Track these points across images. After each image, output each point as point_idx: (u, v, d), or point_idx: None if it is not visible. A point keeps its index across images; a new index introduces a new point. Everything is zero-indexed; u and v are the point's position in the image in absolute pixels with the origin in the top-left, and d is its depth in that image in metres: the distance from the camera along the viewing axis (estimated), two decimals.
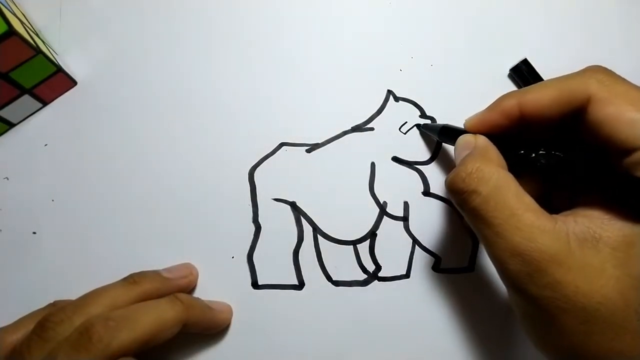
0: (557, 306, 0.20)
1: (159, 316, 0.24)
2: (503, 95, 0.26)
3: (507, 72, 0.34)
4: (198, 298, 0.29)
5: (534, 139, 0.25)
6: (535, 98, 0.24)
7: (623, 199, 0.21)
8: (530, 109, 0.24)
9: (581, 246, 0.20)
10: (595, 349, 0.20)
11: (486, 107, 0.26)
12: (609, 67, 0.23)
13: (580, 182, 0.24)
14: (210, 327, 0.29)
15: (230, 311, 0.30)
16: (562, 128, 0.24)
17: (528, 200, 0.22)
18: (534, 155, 0.23)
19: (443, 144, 0.32)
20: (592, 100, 0.22)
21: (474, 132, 0.26)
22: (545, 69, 0.33)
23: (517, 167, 0.24)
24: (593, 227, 0.21)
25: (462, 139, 0.26)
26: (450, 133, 0.28)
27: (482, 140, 0.25)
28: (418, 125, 0.33)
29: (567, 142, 0.24)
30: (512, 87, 0.34)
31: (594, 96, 0.22)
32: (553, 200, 0.26)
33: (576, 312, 0.20)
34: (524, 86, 0.33)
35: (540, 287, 0.20)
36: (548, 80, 0.24)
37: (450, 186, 0.24)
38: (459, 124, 0.28)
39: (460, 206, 0.24)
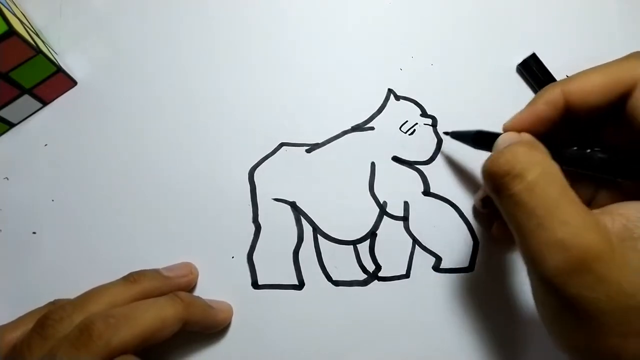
0: (596, 307, 0.19)
1: (159, 314, 0.24)
2: (544, 88, 0.25)
3: (515, 67, 0.34)
4: (198, 297, 0.29)
5: (576, 137, 0.24)
6: (581, 84, 0.23)
7: None
8: (576, 96, 0.23)
9: (622, 245, 0.19)
10: (632, 351, 0.19)
11: (495, 109, 0.26)
12: None
13: (624, 180, 0.23)
14: (211, 326, 0.29)
15: (230, 310, 0.30)
16: (598, 125, 0.24)
17: (573, 194, 0.20)
18: (589, 150, 0.22)
19: (444, 144, 0.32)
20: (638, 85, 0.22)
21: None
22: (553, 64, 0.33)
23: (570, 164, 0.23)
24: (630, 225, 0.20)
25: (505, 135, 0.25)
26: (487, 138, 0.26)
27: (527, 135, 0.24)
28: (446, 133, 0.32)
29: (600, 144, 0.24)
30: (521, 81, 0.34)
31: None
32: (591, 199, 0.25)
33: (616, 313, 0.19)
34: (533, 81, 0.33)
35: (580, 286, 0.19)
36: (592, 68, 0.24)
37: (490, 168, 0.22)
38: (462, 121, 0.28)
39: (497, 191, 0.21)
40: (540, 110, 0.24)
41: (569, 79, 0.24)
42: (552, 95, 0.24)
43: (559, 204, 0.20)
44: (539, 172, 0.20)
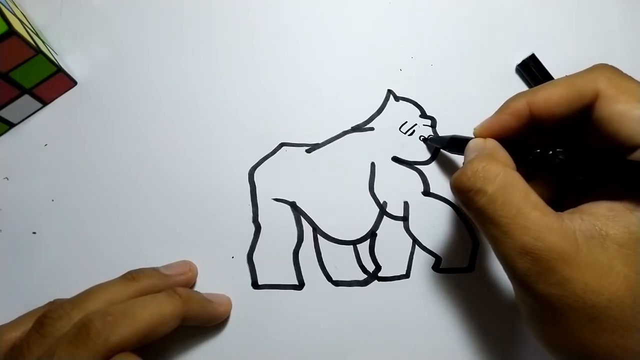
0: (565, 304, 0.20)
1: (157, 310, 0.24)
2: (511, 97, 0.26)
3: (514, 68, 0.34)
4: (197, 291, 0.29)
5: (543, 141, 0.25)
6: (545, 96, 0.24)
7: (628, 196, 0.21)
8: (540, 108, 0.24)
9: (588, 244, 0.20)
10: (603, 347, 0.20)
11: (494, 111, 0.26)
12: (615, 64, 0.24)
13: (587, 180, 0.24)
14: (210, 320, 0.29)
15: (229, 303, 0.30)
16: (569, 129, 0.24)
17: (535, 198, 0.21)
18: (551, 152, 0.23)
19: None
20: (600, 97, 0.22)
21: (484, 138, 0.26)
22: (552, 65, 0.33)
23: (534, 166, 0.24)
24: (599, 224, 0.21)
25: (472, 142, 0.26)
26: (459, 143, 0.28)
27: (492, 142, 0.25)
28: (425, 139, 0.33)
29: (573, 144, 0.24)
30: (520, 82, 0.34)
31: (602, 93, 0.22)
32: (560, 200, 0.26)
33: (585, 310, 0.20)
34: (532, 82, 0.33)
35: (548, 285, 0.20)
36: (556, 79, 0.24)
37: (455, 184, 0.23)
38: (462, 122, 0.28)
39: (465, 205, 0.23)
40: (505, 120, 0.25)
41: (534, 90, 0.25)
42: (517, 106, 0.25)
43: (519, 211, 0.21)
44: (499, 185, 0.22)
